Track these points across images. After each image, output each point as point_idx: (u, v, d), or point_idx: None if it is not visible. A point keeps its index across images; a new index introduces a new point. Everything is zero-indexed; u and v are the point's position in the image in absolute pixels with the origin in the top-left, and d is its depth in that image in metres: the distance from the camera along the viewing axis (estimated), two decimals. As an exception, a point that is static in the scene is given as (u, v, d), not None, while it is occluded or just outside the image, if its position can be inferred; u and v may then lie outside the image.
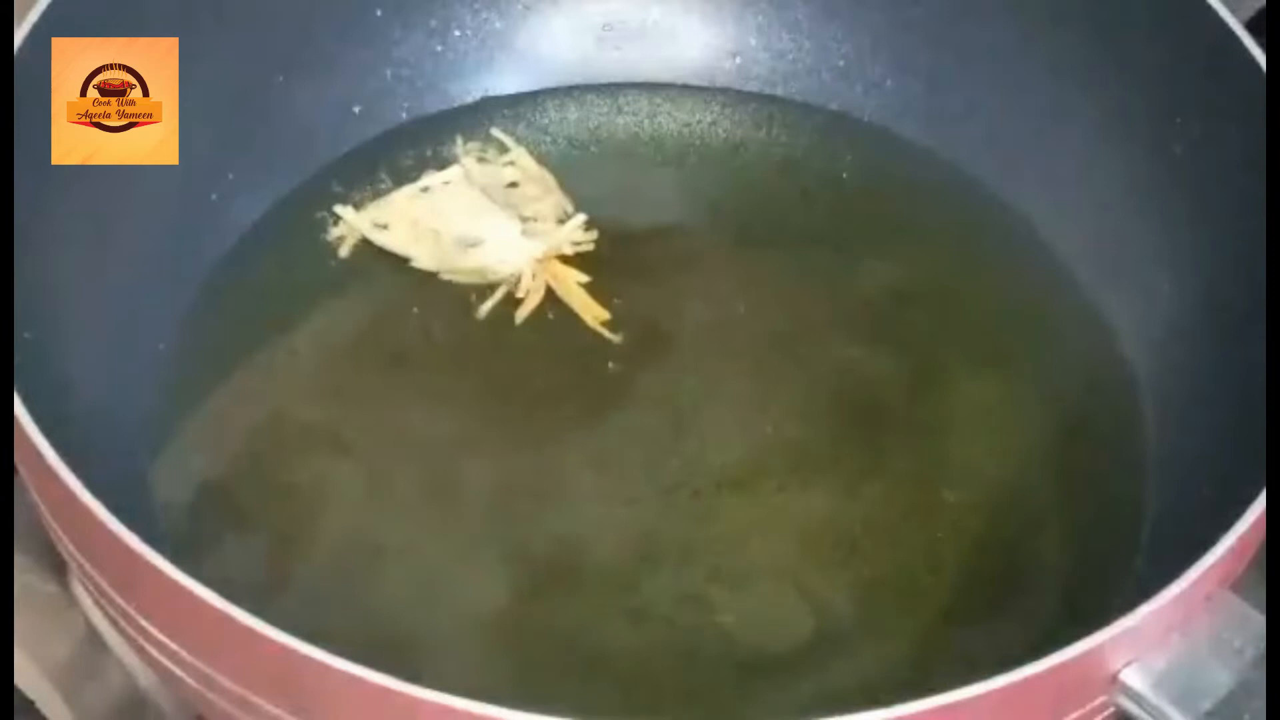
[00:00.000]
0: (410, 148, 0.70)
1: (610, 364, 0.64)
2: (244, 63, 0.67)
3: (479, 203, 0.68)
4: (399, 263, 0.66)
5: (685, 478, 0.61)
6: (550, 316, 0.65)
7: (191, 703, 0.52)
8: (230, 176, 0.67)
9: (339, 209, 0.68)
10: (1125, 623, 0.46)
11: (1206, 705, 0.47)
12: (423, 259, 0.66)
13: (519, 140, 0.70)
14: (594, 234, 0.67)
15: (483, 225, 0.67)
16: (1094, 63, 0.67)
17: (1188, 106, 0.64)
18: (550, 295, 0.65)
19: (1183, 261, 0.64)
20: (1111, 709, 0.48)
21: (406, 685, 0.43)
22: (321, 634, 0.45)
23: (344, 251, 0.67)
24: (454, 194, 0.68)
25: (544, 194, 0.69)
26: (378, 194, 0.68)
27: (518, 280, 0.65)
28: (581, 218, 0.67)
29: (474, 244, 0.67)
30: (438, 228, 0.67)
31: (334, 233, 0.67)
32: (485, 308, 0.65)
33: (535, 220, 0.67)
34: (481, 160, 0.70)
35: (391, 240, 0.67)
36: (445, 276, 0.66)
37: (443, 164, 0.69)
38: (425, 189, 0.68)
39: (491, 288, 0.66)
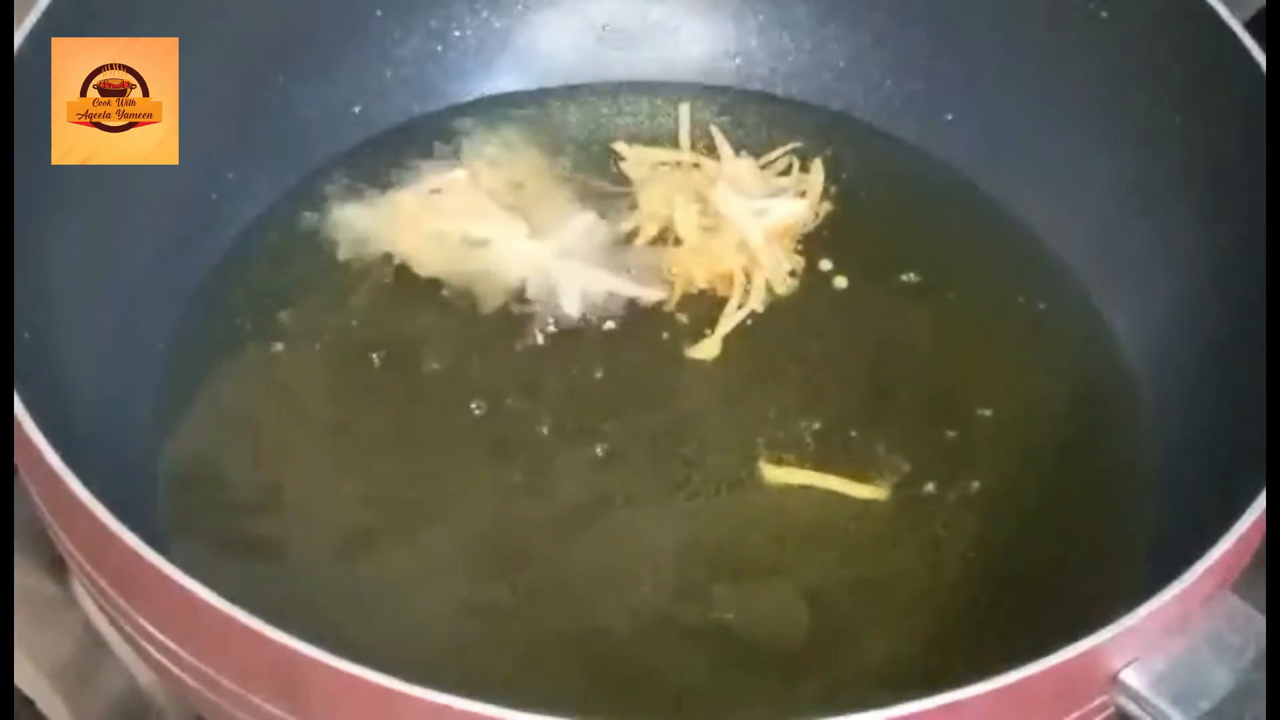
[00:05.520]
0: (411, 148, 0.70)
1: (611, 364, 0.64)
2: (244, 63, 0.67)
3: (484, 204, 0.68)
4: (401, 264, 0.66)
5: (685, 477, 0.61)
6: (552, 319, 0.65)
7: (191, 703, 0.52)
8: (230, 176, 0.67)
9: (339, 210, 0.68)
10: (1125, 623, 0.46)
11: (1206, 705, 0.47)
12: (426, 261, 0.66)
13: (520, 140, 0.71)
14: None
15: (488, 226, 0.67)
16: (1094, 63, 0.67)
17: (1188, 106, 0.64)
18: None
19: (1183, 261, 0.64)
20: (1111, 709, 0.48)
21: (406, 685, 0.43)
22: (320, 632, 0.45)
23: (344, 253, 0.67)
24: (459, 195, 0.68)
25: (549, 194, 0.69)
26: (378, 195, 0.68)
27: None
28: (591, 216, 0.68)
29: (479, 245, 0.67)
30: (442, 229, 0.67)
31: (334, 234, 0.67)
32: (490, 308, 0.65)
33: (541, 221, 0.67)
34: (486, 161, 0.70)
35: (394, 242, 0.67)
36: (450, 278, 0.66)
37: (444, 164, 0.69)
38: (430, 191, 0.68)
39: (496, 289, 0.66)
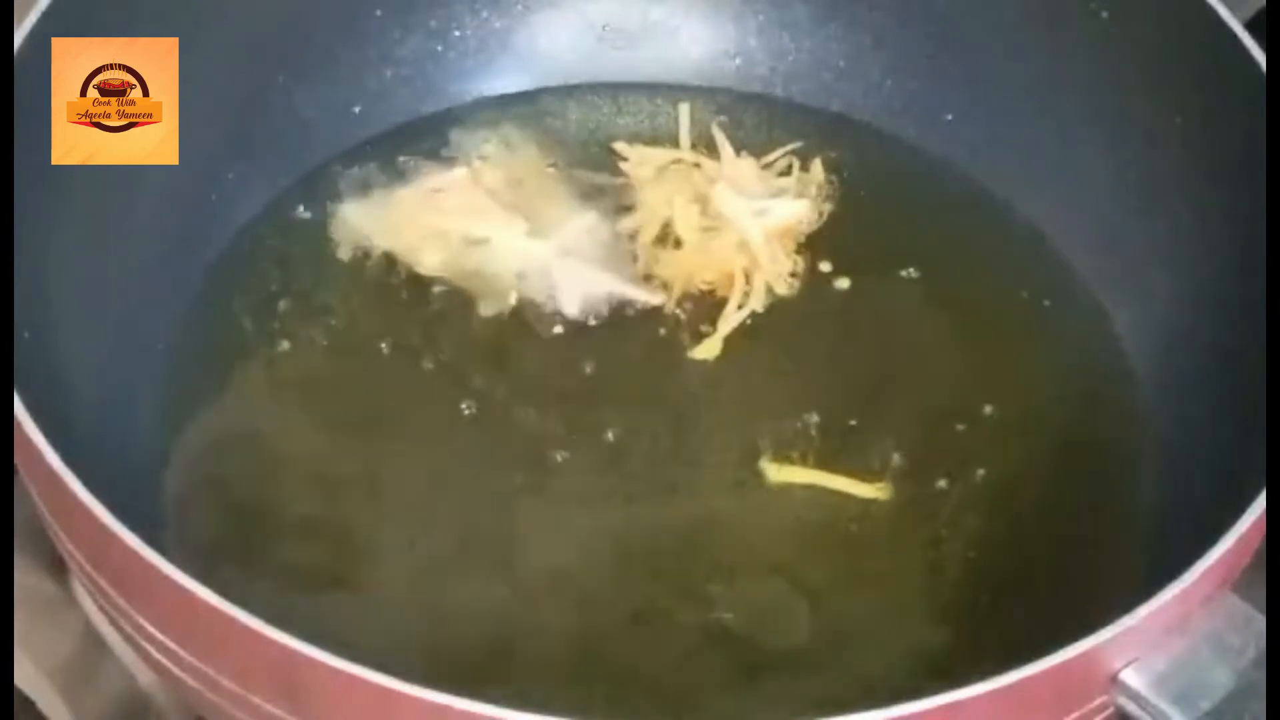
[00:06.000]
0: (411, 148, 0.70)
1: (611, 364, 0.64)
2: (244, 63, 0.67)
3: (484, 203, 0.68)
4: (401, 263, 0.66)
5: (685, 477, 0.61)
6: (552, 318, 0.65)
7: (191, 703, 0.52)
8: (230, 176, 0.67)
9: (339, 209, 0.68)
10: (1125, 623, 0.46)
11: (1206, 705, 0.47)
12: (426, 260, 0.66)
13: (520, 139, 0.71)
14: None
15: (488, 225, 0.67)
16: (1093, 63, 0.67)
17: (1187, 106, 0.64)
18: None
19: (1183, 261, 0.64)
20: (1111, 709, 0.48)
21: (406, 685, 0.43)
22: (320, 632, 0.45)
23: (344, 253, 0.67)
24: (459, 194, 0.68)
25: (549, 194, 0.69)
26: (378, 194, 0.68)
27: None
28: (591, 215, 0.68)
29: (479, 244, 0.67)
30: (443, 228, 0.67)
31: (335, 233, 0.67)
32: (488, 308, 0.65)
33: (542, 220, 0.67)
34: (486, 160, 0.70)
35: (394, 241, 0.67)
36: (449, 277, 0.66)
37: (444, 164, 0.69)
38: (431, 190, 0.68)
39: (496, 288, 0.66)
